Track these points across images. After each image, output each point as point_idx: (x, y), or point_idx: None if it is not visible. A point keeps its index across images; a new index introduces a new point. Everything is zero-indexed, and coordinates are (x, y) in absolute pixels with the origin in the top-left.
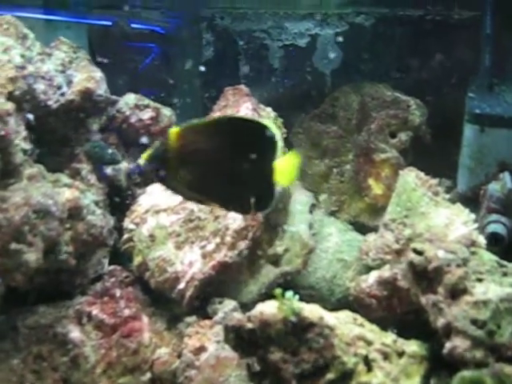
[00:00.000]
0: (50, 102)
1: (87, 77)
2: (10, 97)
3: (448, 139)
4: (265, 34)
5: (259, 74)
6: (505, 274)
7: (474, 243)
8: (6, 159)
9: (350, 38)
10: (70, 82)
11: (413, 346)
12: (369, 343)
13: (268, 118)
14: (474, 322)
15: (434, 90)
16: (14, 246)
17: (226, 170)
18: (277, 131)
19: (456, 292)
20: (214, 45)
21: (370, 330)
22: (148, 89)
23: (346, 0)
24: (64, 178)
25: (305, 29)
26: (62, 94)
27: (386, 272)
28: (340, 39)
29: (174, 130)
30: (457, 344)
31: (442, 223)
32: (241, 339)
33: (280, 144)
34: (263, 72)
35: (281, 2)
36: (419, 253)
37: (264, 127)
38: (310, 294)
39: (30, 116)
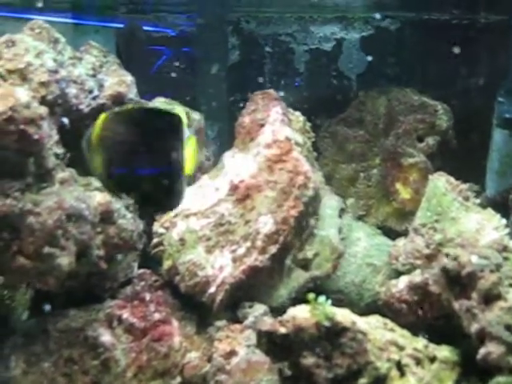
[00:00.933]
0: (81, 106)
1: (118, 81)
2: (43, 101)
3: (475, 143)
4: (290, 38)
5: (285, 77)
6: None
7: (505, 248)
8: (39, 163)
9: (375, 41)
10: (101, 86)
11: (444, 352)
12: (401, 348)
13: (297, 122)
14: (508, 327)
15: (461, 94)
16: (47, 249)
17: (135, 163)
18: (183, 119)
19: (490, 297)
20: (240, 49)
21: (401, 335)
22: (170, 92)
23: (372, 4)
24: (95, 182)
25: (330, 33)
26: (94, 98)
27: (416, 277)
28: (365, 43)
29: (102, 116)
30: (491, 350)
31: (473, 228)
32: (273, 344)
33: (185, 133)
34: (289, 76)
35: (306, 5)
36: (452, 258)
37: (171, 118)
38: (338, 299)
39: (65, 120)
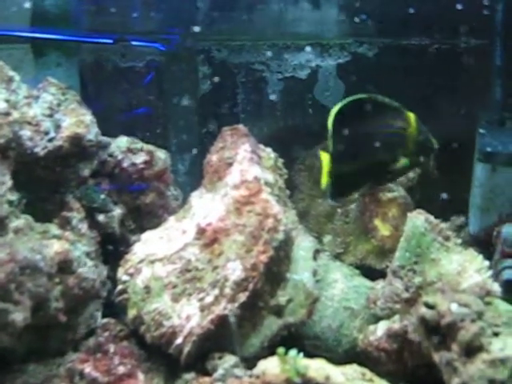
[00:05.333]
0: (37, 149)
1: (76, 121)
2: None
3: (457, 175)
4: (263, 66)
5: (258, 108)
6: None
7: (488, 292)
8: None
9: (352, 68)
10: (58, 127)
11: None
12: None
13: (268, 159)
14: (492, 382)
15: (442, 122)
16: None
17: None
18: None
19: (471, 349)
20: (211, 78)
21: None
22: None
23: (348, 30)
24: (53, 229)
25: (305, 60)
26: (50, 140)
27: (395, 324)
28: (342, 70)
29: None
30: None
31: (454, 271)
32: None
33: None
34: (262, 106)
35: (280, 32)
36: (431, 307)
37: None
38: (315, 345)
39: None
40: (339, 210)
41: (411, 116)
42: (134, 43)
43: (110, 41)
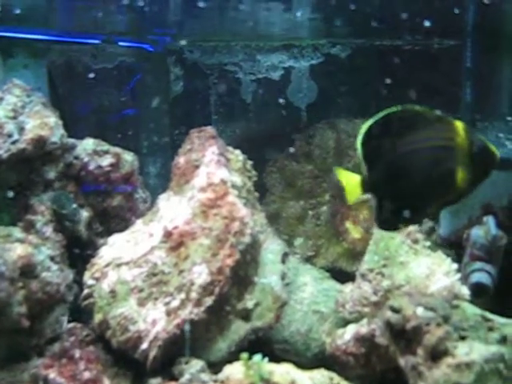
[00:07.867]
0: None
1: (40, 123)
2: None
3: None
4: (236, 68)
5: (231, 109)
6: (490, 329)
7: (456, 296)
8: None
9: (325, 69)
10: (21, 129)
11: None
12: None
13: (236, 161)
14: None
15: None
16: None
17: None
18: None
19: (436, 354)
20: (184, 79)
21: None
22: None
23: (321, 31)
24: (16, 233)
25: (278, 61)
26: (14, 143)
27: (363, 328)
28: (315, 71)
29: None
30: None
31: (423, 274)
32: None
33: None
34: (235, 107)
35: (253, 33)
36: (396, 310)
37: None
38: (284, 349)
39: None
40: (310, 213)
41: (459, 125)
42: (121, 43)
43: (98, 41)
